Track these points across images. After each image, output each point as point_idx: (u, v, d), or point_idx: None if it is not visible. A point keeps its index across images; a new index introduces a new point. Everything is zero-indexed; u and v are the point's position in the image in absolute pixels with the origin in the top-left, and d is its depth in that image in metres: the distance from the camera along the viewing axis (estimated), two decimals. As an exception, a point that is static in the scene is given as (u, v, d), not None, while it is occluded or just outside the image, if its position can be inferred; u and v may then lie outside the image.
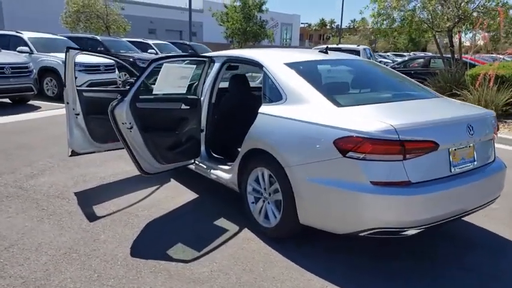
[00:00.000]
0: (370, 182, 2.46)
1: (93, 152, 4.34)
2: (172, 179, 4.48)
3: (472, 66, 9.40)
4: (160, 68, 3.39)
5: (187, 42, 18.37)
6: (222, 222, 3.48)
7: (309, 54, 3.93)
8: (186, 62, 3.90)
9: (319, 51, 3.81)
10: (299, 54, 3.93)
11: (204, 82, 3.85)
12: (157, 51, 15.02)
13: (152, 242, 3.12)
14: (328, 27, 66.25)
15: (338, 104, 2.79)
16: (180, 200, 3.92)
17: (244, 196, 3.40)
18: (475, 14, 10.15)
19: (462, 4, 9.91)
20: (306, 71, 3.21)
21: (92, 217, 3.52)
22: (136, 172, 3.59)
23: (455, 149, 2.64)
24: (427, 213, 2.50)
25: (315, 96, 2.91)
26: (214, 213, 3.64)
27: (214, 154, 3.97)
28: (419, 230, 2.54)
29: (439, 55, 12.19)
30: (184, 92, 3.73)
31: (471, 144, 2.75)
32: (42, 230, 3.23)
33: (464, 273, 2.74)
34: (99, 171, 4.74)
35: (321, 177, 2.65)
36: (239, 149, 3.76)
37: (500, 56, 10.62)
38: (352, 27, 52.77)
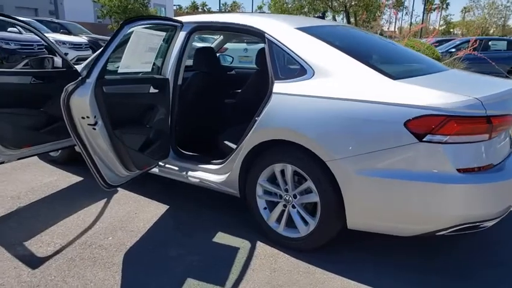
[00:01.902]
0: (457, 169, 2.00)
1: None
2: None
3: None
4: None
5: (56, 20, 15.68)
6: (222, 238, 2.68)
7: (311, 20, 3.25)
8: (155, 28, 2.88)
9: (317, 17, 3.19)
10: (300, 19, 3.25)
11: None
12: (20, 29, 12.42)
13: (153, 285, 2.19)
14: (200, 9, 65.10)
15: (391, 76, 2.24)
16: (148, 216, 2.96)
17: (251, 201, 2.66)
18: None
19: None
20: (328, 36, 2.56)
21: (33, 261, 2.37)
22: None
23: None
24: (510, 199, 2.16)
25: (356, 66, 2.30)
26: (204, 227, 2.81)
27: (184, 151, 3.09)
28: (497, 220, 2.19)
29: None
30: (150, 70, 2.75)
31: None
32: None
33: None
34: (5, 189, 3.39)
35: (385, 170, 2.10)
36: (228, 143, 2.99)
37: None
38: (223, 10, 52.88)
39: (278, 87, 2.46)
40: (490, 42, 12.32)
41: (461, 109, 1.98)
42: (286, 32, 2.58)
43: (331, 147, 2.21)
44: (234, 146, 2.88)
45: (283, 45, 2.52)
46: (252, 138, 2.53)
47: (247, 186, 2.67)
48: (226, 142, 3.02)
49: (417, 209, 2.08)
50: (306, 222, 2.45)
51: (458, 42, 12.10)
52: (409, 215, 2.13)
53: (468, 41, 11.50)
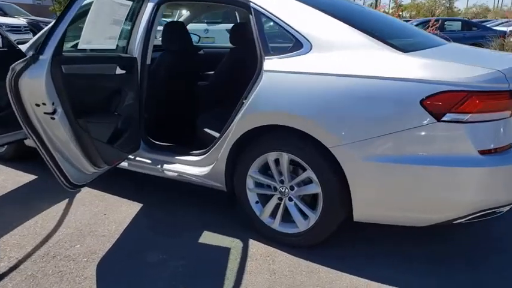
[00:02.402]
0: (478, 151, 1.80)
1: None
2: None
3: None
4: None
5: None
6: (209, 238, 2.37)
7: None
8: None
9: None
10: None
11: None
12: None
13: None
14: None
15: (400, 49, 1.99)
16: (119, 217, 2.58)
17: (241, 195, 2.36)
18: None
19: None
20: (324, 6, 2.25)
21: (-17, 282, 1.95)
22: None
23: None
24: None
25: (360, 39, 2.03)
26: (186, 227, 2.48)
27: (157, 142, 2.73)
28: None
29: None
30: (115, 47, 2.34)
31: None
32: None
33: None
34: None
35: (398, 155, 1.86)
36: (208, 131, 2.66)
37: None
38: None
39: (269, 64, 2.15)
40: (445, 23, 12.58)
41: (484, 83, 1.77)
42: (276, 0, 2.26)
43: (336, 132, 1.94)
44: (216, 134, 2.55)
45: (274, 15, 2.20)
46: (240, 125, 2.22)
47: (236, 179, 2.36)
48: (206, 130, 2.68)
49: (435, 196, 1.87)
50: (305, 216, 2.19)
51: (415, 23, 12.24)
52: (425, 203, 1.91)
53: (423, 22, 11.67)
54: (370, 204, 1.99)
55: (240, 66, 2.99)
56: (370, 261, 2.14)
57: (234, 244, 2.30)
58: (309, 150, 2.05)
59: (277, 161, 2.22)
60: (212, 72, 3.35)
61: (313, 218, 2.14)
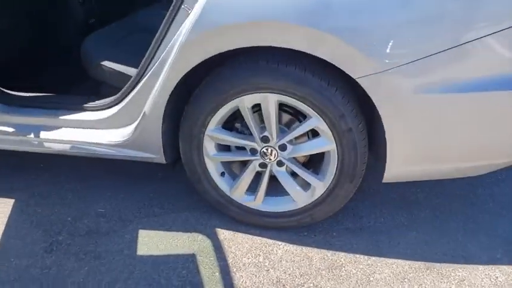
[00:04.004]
0: None
1: None
2: None
3: None
4: None
5: None
6: (151, 242, 1.47)
7: None
8: None
9: None
10: None
11: None
12: None
13: None
14: None
15: None
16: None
17: (195, 168, 1.46)
18: None
19: None
20: None
21: None
22: None
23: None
24: None
25: None
26: (100, 228, 1.52)
27: (17, 93, 1.58)
28: None
29: None
30: None
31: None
32: None
33: None
34: None
35: (469, 79, 1.15)
36: (110, 64, 1.61)
37: None
38: None
39: None
40: None
41: None
42: None
43: (371, 49, 1.12)
44: (128, 69, 1.53)
45: None
46: (185, 53, 1.23)
47: (183, 143, 1.43)
48: (106, 64, 1.59)
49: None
50: (306, 186, 1.43)
51: None
52: (498, 145, 1.29)
53: None
54: (414, 157, 1.30)
55: None
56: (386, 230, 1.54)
57: (195, 247, 1.45)
58: (318, 85, 1.22)
59: (254, 109, 1.35)
60: None
61: (321, 185, 1.39)
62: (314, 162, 1.49)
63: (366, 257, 1.40)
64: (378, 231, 1.51)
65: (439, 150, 1.28)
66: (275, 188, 1.47)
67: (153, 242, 1.46)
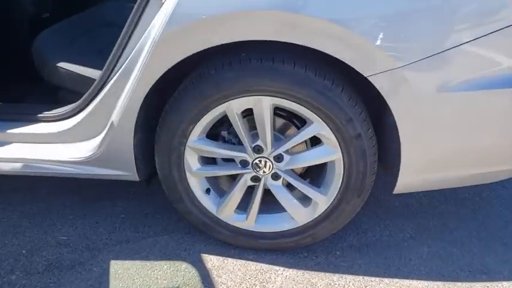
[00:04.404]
0: None
1: None
2: None
3: None
4: None
5: None
6: (127, 274, 1.24)
7: None
8: None
9: None
10: None
11: None
12: None
13: None
14: None
15: None
16: None
17: (172, 184, 1.23)
18: None
19: None
20: None
21: None
22: None
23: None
24: None
25: None
26: (63, 261, 1.28)
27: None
28: None
29: None
30: None
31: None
32: None
33: None
34: None
35: (494, 75, 1.00)
36: (70, 66, 1.38)
37: None
38: None
39: None
40: None
41: None
42: None
43: (387, 45, 0.95)
44: (90, 71, 1.30)
45: None
46: (160, 52, 1.01)
47: (160, 157, 1.20)
48: (63, 65, 1.34)
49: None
50: (306, 201, 1.24)
51: None
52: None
53: None
54: (432, 163, 1.14)
55: None
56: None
57: (179, 278, 1.23)
58: (321, 85, 1.03)
59: (244, 113, 1.14)
60: None
61: (324, 201, 1.20)
62: (311, 173, 1.31)
63: (377, 279, 1.23)
64: (385, 247, 1.35)
65: (460, 155, 1.12)
66: (270, 203, 1.27)
67: (128, 275, 1.23)
